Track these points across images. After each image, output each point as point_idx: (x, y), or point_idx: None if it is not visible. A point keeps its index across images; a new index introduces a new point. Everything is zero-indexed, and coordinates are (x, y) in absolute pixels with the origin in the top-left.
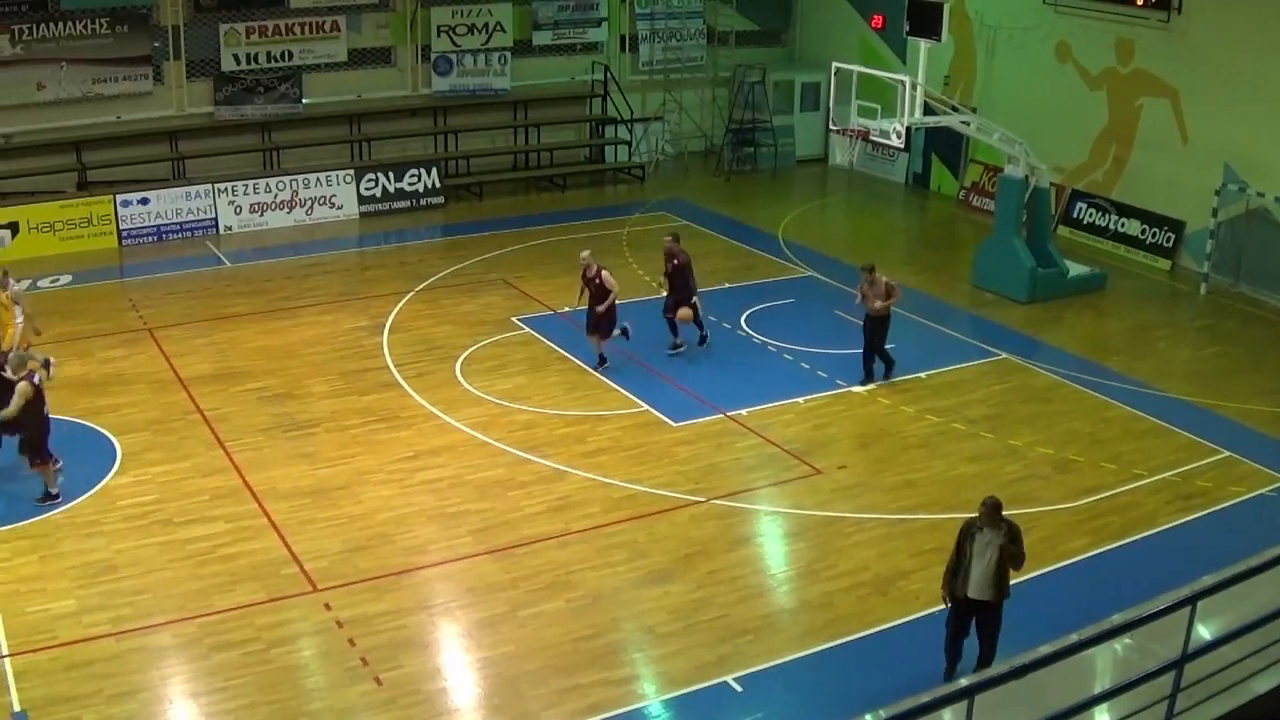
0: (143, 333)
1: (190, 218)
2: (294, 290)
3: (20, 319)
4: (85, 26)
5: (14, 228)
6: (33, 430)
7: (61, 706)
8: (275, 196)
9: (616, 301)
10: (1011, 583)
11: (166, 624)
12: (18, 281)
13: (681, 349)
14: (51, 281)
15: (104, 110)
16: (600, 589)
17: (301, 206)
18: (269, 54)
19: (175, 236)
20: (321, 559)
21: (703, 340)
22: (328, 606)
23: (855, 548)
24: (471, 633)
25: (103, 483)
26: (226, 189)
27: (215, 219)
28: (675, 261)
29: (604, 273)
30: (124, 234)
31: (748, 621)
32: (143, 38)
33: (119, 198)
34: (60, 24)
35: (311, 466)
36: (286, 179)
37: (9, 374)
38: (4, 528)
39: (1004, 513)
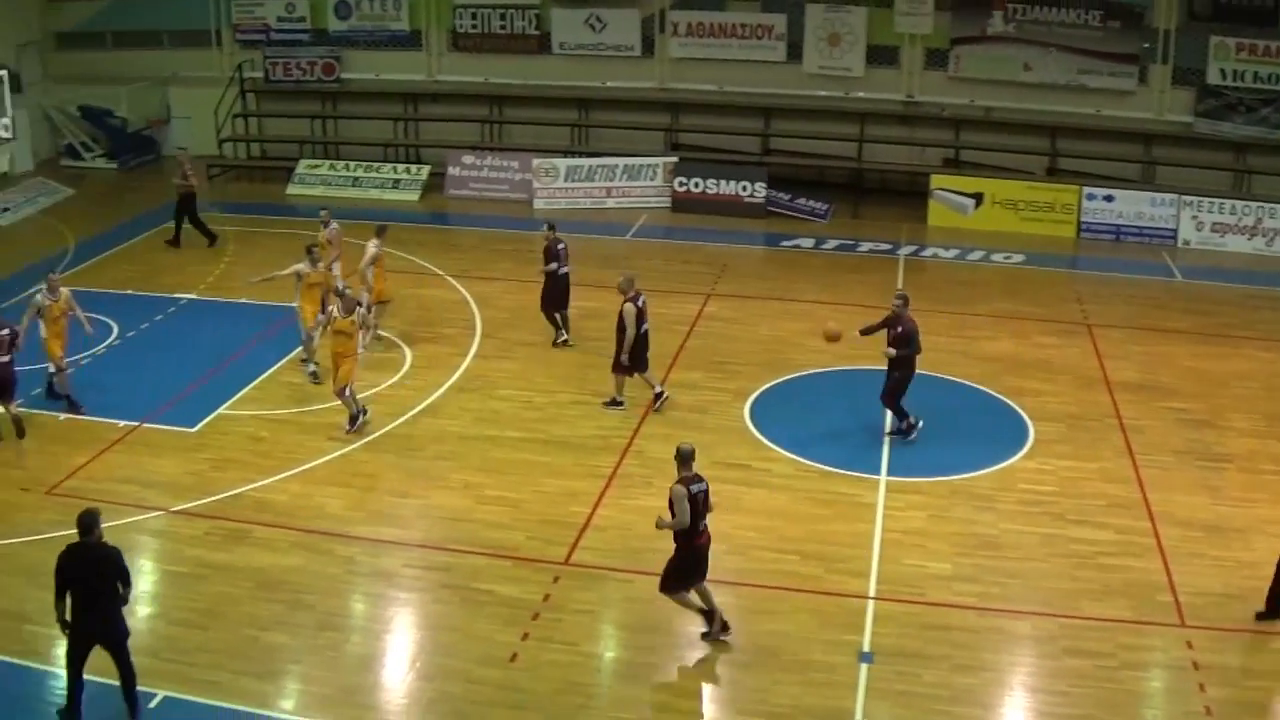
0: (1081, 327)
1: (1150, 224)
2: (1239, 319)
3: (337, 260)
4: (1078, 15)
5: (978, 198)
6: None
7: (906, 660)
8: (1239, 220)
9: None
10: None
11: (1029, 614)
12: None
13: (909, 434)
14: (1004, 258)
15: (1084, 101)
16: None
17: (1263, 235)
18: (1256, 74)
19: (1132, 239)
20: (1197, 596)
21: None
22: (1189, 645)
23: None
24: None
25: (1007, 462)
26: (1192, 203)
27: (1175, 230)
28: (899, 329)
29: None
30: (1083, 226)
31: None
32: (1133, 36)
33: (1085, 190)
34: (1053, 9)
35: (1213, 500)
36: (1253, 205)
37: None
38: (906, 478)
39: None
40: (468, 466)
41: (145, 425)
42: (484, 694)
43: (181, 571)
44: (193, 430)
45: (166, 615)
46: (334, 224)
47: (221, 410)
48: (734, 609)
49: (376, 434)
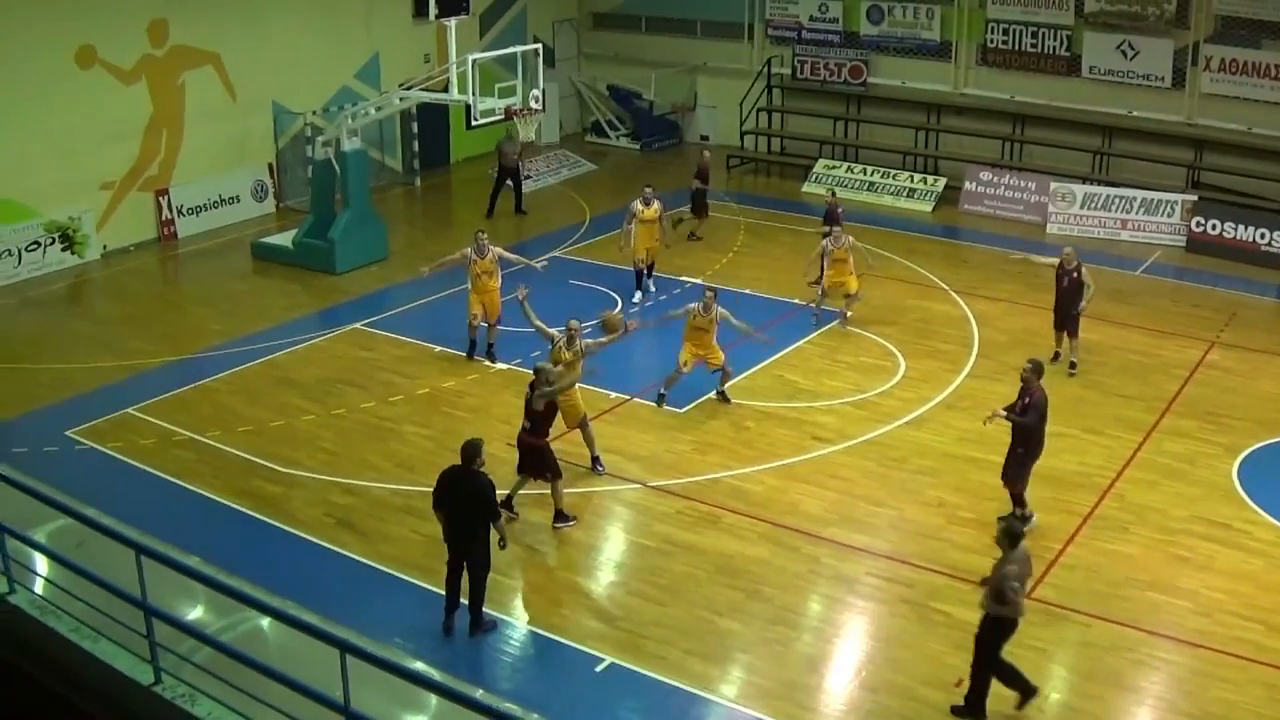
0: None
1: None
2: None
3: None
4: None
5: None
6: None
7: None
8: None
9: None
10: None
11: None
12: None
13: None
14: None
15: None
16: None
17: None
18: None
19: None
20: None
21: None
22: None
23: None
24: None
25: None
26: None
27: None
28: (1028, 399)
29: None
30: None
31: None
32: None
33: None
34: None
35: None
36: None
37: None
38: None
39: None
40: (945, 484)
41: (635, 400)
42: (923, 714)
43: (649, 545)
44: (680, 411)
45: (627, 585)
46: (656, 203)
47: (710, 395)
48: (1188, 671)
49: (858, 440)
